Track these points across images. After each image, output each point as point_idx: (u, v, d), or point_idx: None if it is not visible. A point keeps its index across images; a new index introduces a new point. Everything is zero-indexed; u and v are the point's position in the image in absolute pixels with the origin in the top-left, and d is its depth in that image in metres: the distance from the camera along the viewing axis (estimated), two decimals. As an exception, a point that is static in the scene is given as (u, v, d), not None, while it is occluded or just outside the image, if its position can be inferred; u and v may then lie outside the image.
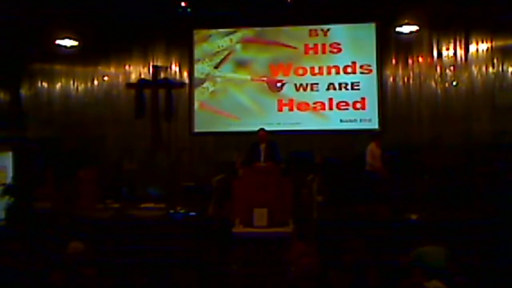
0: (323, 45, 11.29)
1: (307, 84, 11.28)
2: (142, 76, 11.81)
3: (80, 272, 4.12)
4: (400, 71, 11.10)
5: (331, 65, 11.24)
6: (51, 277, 4.14)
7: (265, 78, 11.44)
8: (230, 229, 7.05)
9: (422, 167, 9.98)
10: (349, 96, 11.14)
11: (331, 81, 11.21)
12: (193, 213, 8.87)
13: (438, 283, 4.25)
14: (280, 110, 11.36)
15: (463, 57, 10.88)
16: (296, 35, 11.41)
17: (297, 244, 6.09)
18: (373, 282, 5.81)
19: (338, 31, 11.28)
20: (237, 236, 6.94)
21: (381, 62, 11.06)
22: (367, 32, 11.17)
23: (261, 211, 7.01)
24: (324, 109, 11.20)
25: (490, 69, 10.75)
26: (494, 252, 7.18)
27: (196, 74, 11.69)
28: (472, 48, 10.84)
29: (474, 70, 10.82)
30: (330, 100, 11.18)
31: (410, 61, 11.07)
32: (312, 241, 6.57)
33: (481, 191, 9.05)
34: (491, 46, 10.73)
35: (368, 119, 11.04)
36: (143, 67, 11.86)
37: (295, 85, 11.32)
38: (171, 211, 9.08)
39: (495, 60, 10.73)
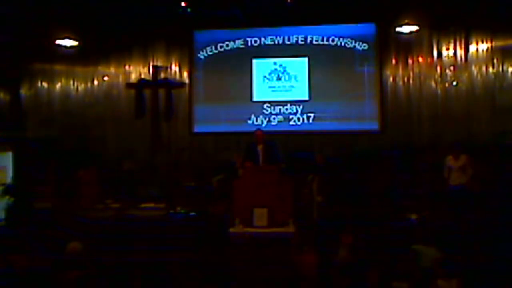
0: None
1: (307, 84, 11.28)
2: (142, 76, 11.80)
3: (78, 272, 4.12)
4: (400, 71, 11.08)
5: (331, 65, 11.23)
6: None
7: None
8: (229, 229, 7.04)
9: (422, 167, 9.96)
10: (349, 96, 11.13)
11: (331, 81, 11.20)
12: (193, 213, 8.86)
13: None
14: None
15: (463, 57, 10.86)
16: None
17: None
18: (373, 282, 5.82)
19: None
20: (236, 236, 6.93)
21: (381, 62, 11.06)
22: (367, 32, 11.17)
23: (261, 211, 6.99)
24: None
25: (490, 69, 10.73)
26: (494, 252, 7.17)
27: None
28: (472, 48, 10.82)
29: (474, 70, 10.80)
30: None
31: (410, 61, 11.04)
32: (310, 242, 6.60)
33: (481, 191, 9.03)
34: (491, 46, 10.71)
35: (368, 119, 11.04)
36: (143, 67, 11.85)
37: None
38: (171, 211, 9.08)
39: (495, 60, 10.70)
